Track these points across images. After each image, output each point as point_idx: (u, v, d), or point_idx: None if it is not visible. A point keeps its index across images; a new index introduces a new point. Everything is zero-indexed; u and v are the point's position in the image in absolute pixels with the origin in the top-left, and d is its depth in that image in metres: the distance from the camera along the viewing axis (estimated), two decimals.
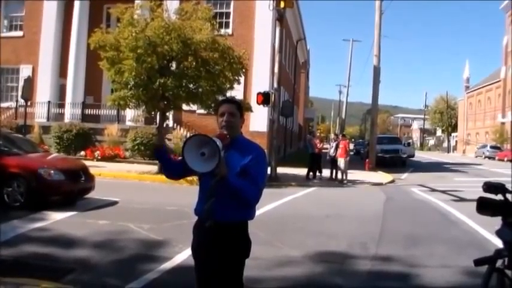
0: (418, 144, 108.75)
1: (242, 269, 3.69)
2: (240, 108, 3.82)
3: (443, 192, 18.08)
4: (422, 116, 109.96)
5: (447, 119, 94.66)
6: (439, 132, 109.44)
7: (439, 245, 9.06)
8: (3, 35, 31.69)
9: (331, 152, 21.87)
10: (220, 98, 17.99)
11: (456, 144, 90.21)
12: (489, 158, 55.97)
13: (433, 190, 18.89)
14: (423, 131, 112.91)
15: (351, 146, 36.58)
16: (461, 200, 16.02)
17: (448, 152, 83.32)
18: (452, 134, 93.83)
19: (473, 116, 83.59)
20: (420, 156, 55.98)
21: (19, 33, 31.64)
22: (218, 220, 3.50)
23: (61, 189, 11.62)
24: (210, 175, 3.36)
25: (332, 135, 26.94)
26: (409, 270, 7.33)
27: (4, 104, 30.71)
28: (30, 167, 11.58)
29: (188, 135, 25.68)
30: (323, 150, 22.98)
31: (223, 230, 3.54)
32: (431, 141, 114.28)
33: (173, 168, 3.94)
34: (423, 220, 12.27)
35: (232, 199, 3.47)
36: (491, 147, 60.10)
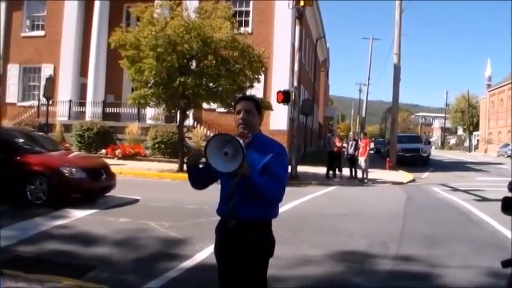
0: (439, 143, 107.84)
1: (266, 267, 3.66)
2: (258, 106, 3.78)
3: (465, 191, 17.87)
4: (443, 115, 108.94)
5: (468, 117, 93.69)
6: (460, 131, 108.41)
7: (460, 245, 8.96)
8: (25, 34, 32.11)
9: (350, 150, 21.71)
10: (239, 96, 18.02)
11: (478, 143, 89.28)
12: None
13: (455, 189, 18.68)
14: (444, 129, 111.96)
15: (372, 145, 36.30)
16: (483, 199, 15.84)
17: (470, 151, 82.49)
18: (474, 133, 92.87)
19: (496, 115, 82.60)
20: (441, 155, 55.57)
21: (41, 32, 31.99)
22: (241, 219, 3.50)
23: (82, 187, 11.70)
24: (231, 175, 3.34)
25: (351, 134, 26.73)
26: (431, 270, 7.26)
27: (26, 103, 31.10)
28: (52, 165, 11.69)
29: (208, 133, 25.81)
30: (343, 149, 22.86)
31: (247, 228, 3.52)
32: (453, 140, 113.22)
33: (201, 178, 3.84)
34: (444, 220, 12.15)
35: (255, 197, 3.44)
36: None
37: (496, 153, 63.63)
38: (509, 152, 56.51)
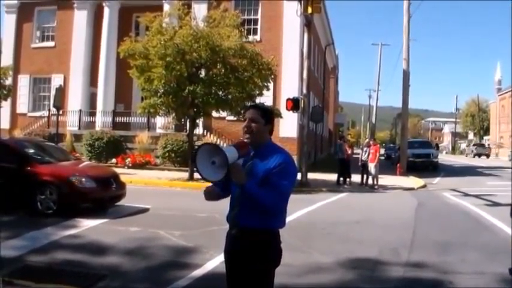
0: (450, 148, 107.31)
1: (271, 277, 3.64)
2: (266, 114, 3.75)
3: (476, 196, 17.73)
4: (454, 120, 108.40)
5: (479, 122, 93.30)
6: (471, 136, 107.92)
7: (472, 251, 8.89)
8: (35, 45, 32.34)
9: (364, 157, 21.56)
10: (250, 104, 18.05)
11: (489, 147, 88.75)
12: None
13: (466, 195, 18.55)
14: (454, 134, 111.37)
15: (382, 151, 36.12)
16: (495, 204, 15.73)
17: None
18: (485, 137, 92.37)
19: (506, 119, 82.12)
20: (452, 160, 55.24)
21: (51, 43, 32.16)
22: (242, 227, 3.54)
23: (92, 196, 11.71)
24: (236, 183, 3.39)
25: (366, 140, 26.73)
26: (442, 277, 7.20)
27: (37, 113, 31.27)
28: (62, 175, 11.73)
29: (218, 141, 25.84)
30: (354, 156, 22.74)
31: (248, 237, 3.54)
32: (463, 145, 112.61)
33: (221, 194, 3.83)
34: (456, 225, 12.07)
35: (255, 207, 3.46)
36: None
37: (508, 157, 62.94)
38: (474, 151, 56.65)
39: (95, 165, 18.34)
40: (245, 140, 3.62)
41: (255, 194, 3.41)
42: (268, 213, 3.53)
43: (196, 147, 23.27)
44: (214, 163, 3.29)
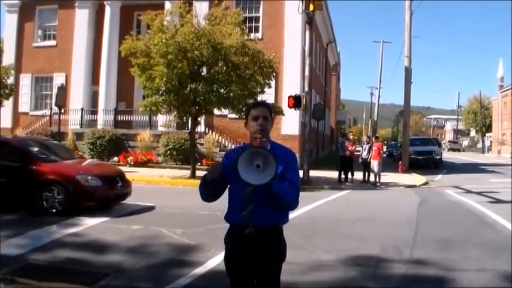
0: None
1: (280, 272, 3.69)
2: (271, 112, 3.78)
3: (479, 193, 17.71)
4: (456, 117, 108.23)
5: (481, 119, 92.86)
6: (473, 133, 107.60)
7: (475, 248, 8.87)
8: (37, 44, 32.35)
9: (364, 154, 21.58)
10: (251, 102, 18.02)
11: (491, 144, 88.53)
12: None
13: (468, 192, 18.52)
14: (457, 131, 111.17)
15: (384, 148, 36.09)
16: (498, 201, 15.70)
17: (483, 153, 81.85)
18: (487, 135, 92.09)
19: (508, 116, 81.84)
20: (454, 157, 55.14)
21: (52, 42, 32.20)
22: (258, 226, 3.49)
23: (98, 195, 11.69)
24: (245, 183, 3.32)
25: (364, 138, 26.74)
26: (445, 274, 7.19)
27: (39, 112, 31.30)
28: (68, 174, 11.68)
29: (220, 139, 25.85)
30: (355, 153, 22.75)
31: (262, 235, 3.53)
32: (465, 142, 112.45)
33: (217, 190, 3.77)
34: (458, 222, 12.04)
35: (269, 204, 3.46)
36: None
37: (510, 154, 62.70)
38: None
39: (100, 163, 18.31)
40: (264, 139, 3.59)
41: (281, 192, 3.42)
42: (281, 210, 3.58)
43: (198, 145, 23.26)
44: (259, 166, 3.25)
